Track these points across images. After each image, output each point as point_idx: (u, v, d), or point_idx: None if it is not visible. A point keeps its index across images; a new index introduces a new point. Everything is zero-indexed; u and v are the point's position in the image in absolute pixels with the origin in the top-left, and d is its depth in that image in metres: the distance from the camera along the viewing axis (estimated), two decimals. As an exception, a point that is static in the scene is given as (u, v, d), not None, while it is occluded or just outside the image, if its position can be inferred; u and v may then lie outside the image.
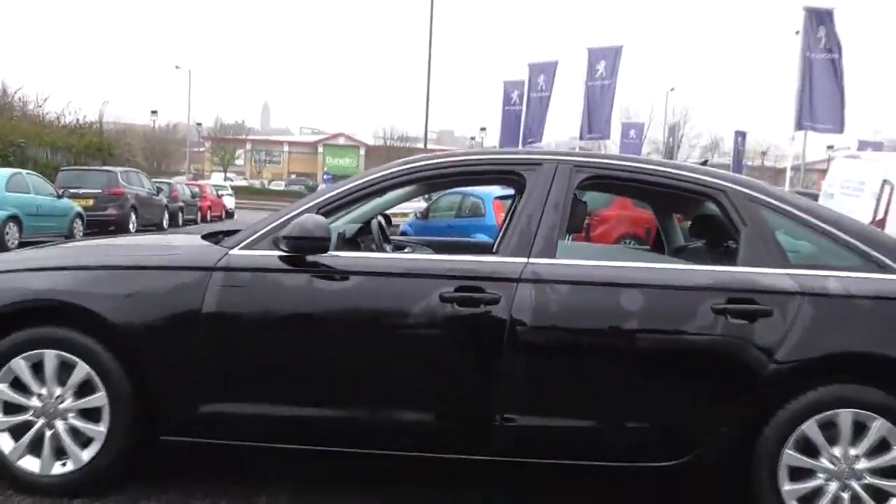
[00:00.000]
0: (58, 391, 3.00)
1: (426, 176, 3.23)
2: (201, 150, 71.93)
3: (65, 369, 2.99)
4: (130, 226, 18.05)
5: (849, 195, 8.18)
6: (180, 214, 22.87)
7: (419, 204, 17.51)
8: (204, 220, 25.69)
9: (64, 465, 3.02)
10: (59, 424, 3.01)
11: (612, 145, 32.11)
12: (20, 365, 2.99)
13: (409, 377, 2.94)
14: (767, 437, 2.86)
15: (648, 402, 2.91)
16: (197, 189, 26.60)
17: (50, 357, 2.98)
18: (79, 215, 15.62)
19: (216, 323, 2.94)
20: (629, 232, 12.25)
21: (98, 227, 16.73)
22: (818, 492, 2.86)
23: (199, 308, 2.94)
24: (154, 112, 58.42)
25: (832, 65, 12.21)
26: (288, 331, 2.98)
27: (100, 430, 2.99)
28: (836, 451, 2.85)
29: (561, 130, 19.73)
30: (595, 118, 15.75)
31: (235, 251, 3.03)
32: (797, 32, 12.76)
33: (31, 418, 3.02)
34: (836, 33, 11.87)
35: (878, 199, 7.52)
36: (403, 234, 14.41)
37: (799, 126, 12.51)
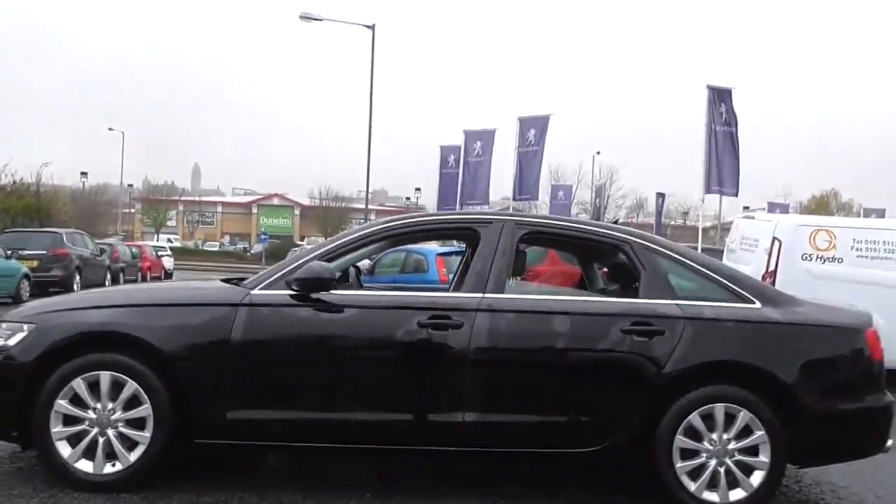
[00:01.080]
0: (110, 405, 3.75)
1: (404, 233, 4.19)
2: (131, 210, 71.26)
3: (115, 387, 3.74)
4: (74, 286, 18.19)
5: (747, 250, 9.47)
6: (122, 275, 23.00)
7: (365, 262, 18.32)
8: (144, 279, 25.83)
9: (113, 465, 3.74)
10: (110, 432, 3.75)
11: (543, 205, 33.85)
12: (80, 384, 3.73)
13: (394, 386, 3.81)
14: (663, 426, 3.81)
15: (574, 402, 3.85)
16: (137, 249, 26.75)
17: (105, 377, 3.74)
18: (25, 276, 15.80)
19: (242, 347, 3.76)
20: (559, 285, 13.37)
21: (42, 287, 16.86)
22: (702, 467, 3.82)
23: (229, 336, 3.76)
24: (84, 174, 57.94)
25: (731, 137, 13.83)
26: (298, 352, 3.82)
27: (145, 435, 3.73)
28: (714, 435, 3.82)
29: (492, 192, 21.08)
30: (525, 181, 17.08)
31: (256, 291, 3.88)
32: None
33: (86, 428, 3.75)
34: (734, 110, 13.52)
35: (769, 254, 8.81)
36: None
37: (707, 190, 14.01)
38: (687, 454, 3.82)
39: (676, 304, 3.95)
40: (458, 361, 3.80)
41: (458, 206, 21.04)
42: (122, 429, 3.75)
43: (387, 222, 4.18)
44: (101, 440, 3.74)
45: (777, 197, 40.00)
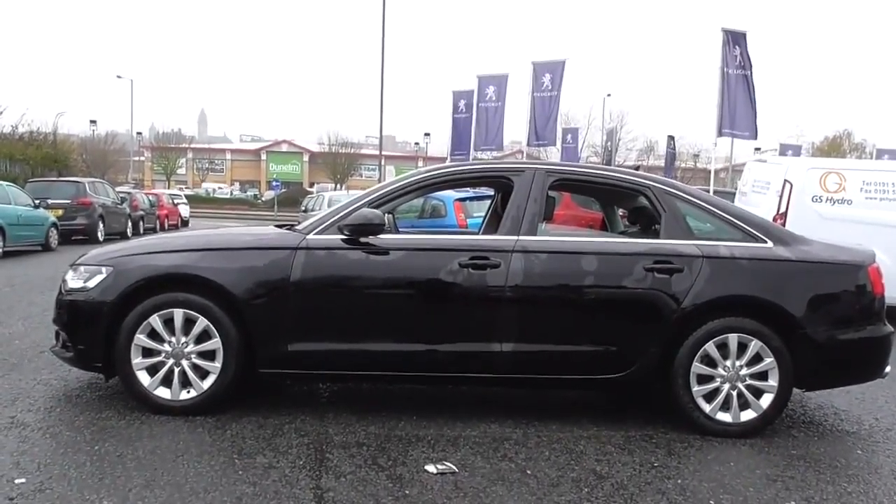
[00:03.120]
0: (183, 339, 4.17)
1: (444, 181, 4.55)
2: (140, 159, 71.45)
3: (187, 323, 4.16)
4: (99, 235, 18.69)
5: (758, 193, 9.78)
6: (141, 223, 23.50)
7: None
8: (162, 228, 26.32)
9: (188, 392, 4.19)
10: (184, 363, 4.18)
11: (554, 150, 33.93)
12: (156, 321, 4.16)
13: (437, 320, 4.22)
14: (682, 355, 4.21)
15: (601, 333, 4.24)
16: (154, 198, 27.18)
17: (178, 314, 4.15)
18: (54, 224, 16.29)
19: (300, 286, 4.16)
20: (573, 227, 13.77)
21: (65, 236, 17.33)
22: (716, 391, 4.24)
23: (289, 276, 4.16)
24: (93, 122, 58.09)
25: (745, 80, 13.95)
26: (350, 290, 4.22)
27: (216, 366, 4.17)
28: (728, 362, 4.23)
29: (505, 137, 21.20)
30: (541, 127, 17.28)
31: (311, 236, 4.26)
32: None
33: (163, 359, 4.18)
34: (748, 53, 13.61)
35: (780, 196, 9.11)
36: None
37: (720, 133, 14.19)
38: (703, 379, 4.23)
39: (695, 244, 4.31)
40: (495, 297, 4.19)
41: (471, 152, 21.25)
42: (194, 360, 4.18)
43: (428, 172, 4.53)
44: (176, 370, 4.18)
45: (789, 138, 39.85)
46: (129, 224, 21.62)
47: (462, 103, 22.87)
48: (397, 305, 4.23)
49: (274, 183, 44.00)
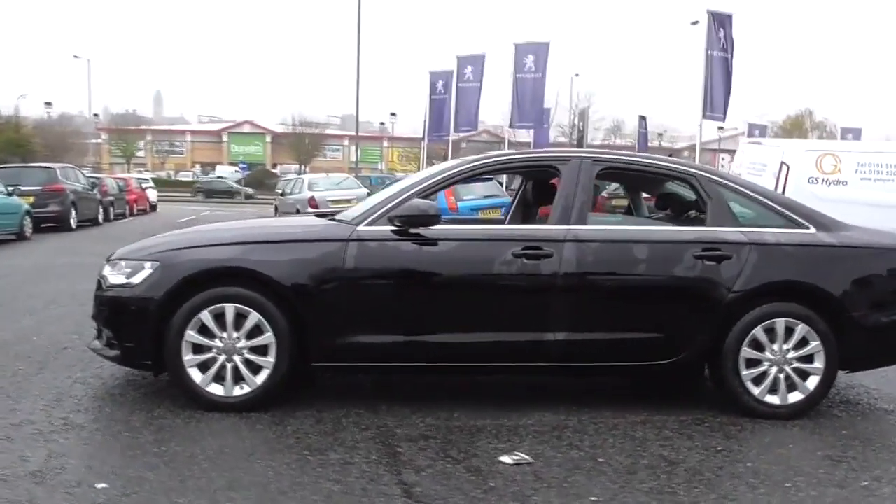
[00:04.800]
0: (234, 334, 4.10)
1: (495, 169, 4.54)
2: (97, 141, 69.70)
3: (238, 318, 4.09)
4: (72, 222, 18.22)
5: (753, 174, 9.93)
6: (111, 209, 22.98)
7: (359, 191, 18.58)
8: (132, 213, 25.79)
9: (241, 388, 4.13)
10: (237, 358, 4.11)
11: (523, 132, 34.00)
12: (207, 316, 4.08)
13: (490, 311, 4.21)
14: (731, 340, 4.28)
15: (652, 320, 4.29)
16: (122, 182, 26.58)
17: (229, 309, 4.08)
18: (27, 212, 15.84)
19: (353, 278, 4.12)
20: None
21: (37, 223, 16.82)
22: (764, 374, 4.31)
23: (342, 268, 4.11)
24: (48, 104, 56.42)
25: (725, 63, 14.11)
26: (404, 281, 4.19)
27: (269, 360, 4.11)
28: (775, 346, 4.30)
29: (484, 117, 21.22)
30: (525, 108, 17.29)
31: (361, 227, 4.21)
32: (694, 23, 14.59)
33: (214, 355, 4.11)
34: (732, 36, 13.76)
35: (777, 178, 9.27)
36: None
37: (704, 115, 14.37)
38: (751, 363, 4.30)
39: (740, 231, 4.37)
40: (548, 287, 4.20)
41: (451, 132, 21.20)
42: (247, 355, 4.11)
43: (475, 161, 4.50)
44: (228, 366, 4.11)
45: (754, 118, 40.53)
46: (101, 210, 21.16)
47: (440, 84, 22.77)
48: (451, 296, 4.21)
49: (240, 164, 43.31)
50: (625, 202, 5.14)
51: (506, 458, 3.55)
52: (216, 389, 4.12)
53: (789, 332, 4.30)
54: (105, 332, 4.28)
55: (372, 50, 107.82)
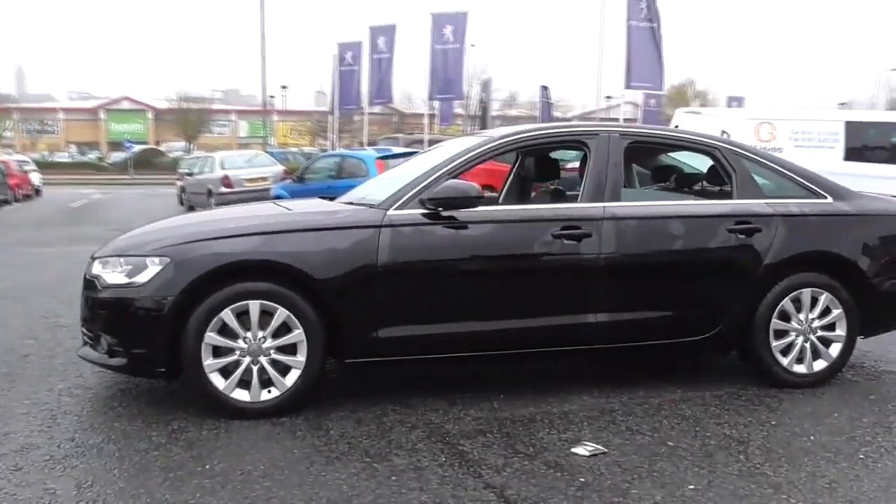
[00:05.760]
0: (260, 333, 3.72)
1: (524, 145, 4.32)
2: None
3: (264, 315, 3.71)
4: (-46, 208, 16.62)
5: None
6: (-7, 193, 21.14)
7: (275, 168, 17.86)
8: (16, 199, 23.81)
9: (269, 392, 3.76)
10: (263, 360, 3.74)
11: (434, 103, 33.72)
12: (229, 315, 3.68)
13: (532, 294, 4.02)
14: (762, 312, 4.28)
15: (689, 296, 4.23)
16: (2, 166, 24.44)
17: (254, 306, 3.69)
18: None
19: (388, 267, 3.82)
20: (488, 183, 13.77)
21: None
22: (791, 344, 4.35)
23: (376, 257, 3.80)
24: None
25: (652, 32, 14.34)
26: (442, 268, 3.93)
27: (299, 360, 3.76)
28: (801, 316, 4.34)
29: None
30: (444, 80, 17.01)
31: (392, 211, 3.90)
32: None
33: (238, 358, 3.72)
34: (657, 6, 13.96)
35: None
36: (277, 197, 14.85)
37: (627, 86, 14.58)
38: (779, 334, 4.32)
39: (766, 203, 4.36)
40: (589, 267, 4.05)
41: (366, 106, 20.68)
42: (274, 355, 3.75)
43: (503, 137, 4.25)
44: (254, 369, 3.74)
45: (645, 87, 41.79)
46: (-16, 195, 19.42)
47: (349, 55, 22.11)
48: (493, 282, 3.99)
49: (127, 143, 40.82)
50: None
51: (580, 450, 3.40)
52: (241, 395, 3.74)
53: (814, 301, 4.35)
54: (105, 339, 3.79)
55: (254, 22, 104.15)
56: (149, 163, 46.46)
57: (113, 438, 3.50)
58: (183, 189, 19.62)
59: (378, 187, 4.53)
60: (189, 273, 3.65)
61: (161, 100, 68.20)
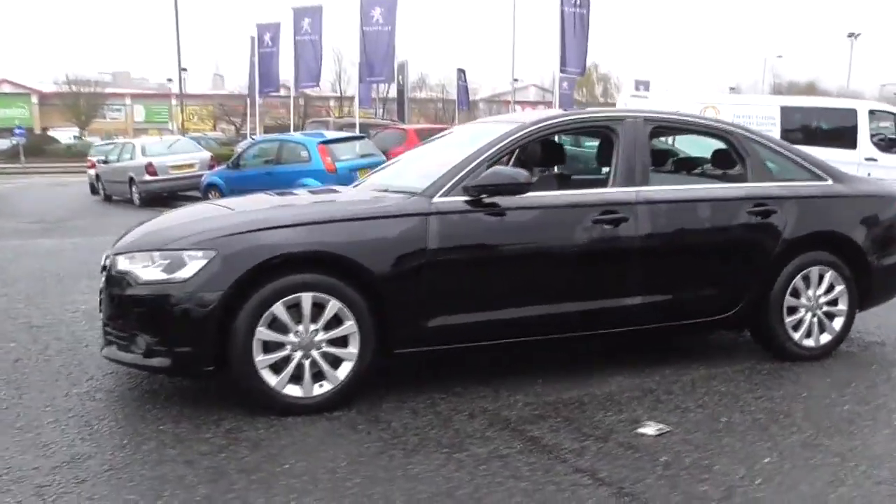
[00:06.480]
0: (312, 326, 3.61)
1: (555, 130, 4.36)
2: None
3: (315, 307, 3.60)
4: None
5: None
6: None
7: (201, 154, 17.21)
8: None
9: (321, 386, 3.66)
10: (315, 353, 3.63)
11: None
12: (280, 309, 3.54)
13: (577, 279, 4.07)
14: (777, 289, 4.48)
15: (715, 276, 4.38)
16: None
17: (306, 299, 3.57)
18: None
19: (438, 254, 3.77)
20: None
21: None
22: (801, 321, 4.59)
23: (425, 244, 3.75)
24: None
25: (582, 19, 14.63)
26: (489, 255, 3.92)
27: (351, 352, 3.67)
28: (810, 293, 4.58)
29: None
30: (375, 63, 16.77)
31: (437, 199, 3.85)
32: None
33: (289, 353, 3.60)
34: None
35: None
36: (211, 185, 14.31)
37: (562, 71, 14.85)
38: (791, 311, 4.55)
39: (778, 186, 4.56)
40: (626, 251, 4.13)
41: (292, 90, 20.16)
42: (325, 348, 3.65)
43: (535, 123, 4.25)
44: (306, 363, 3.62)
45: (548, 72, 42.67)
46: None
47: (267, 37, 21.47)
48: (536, 267, 4.01)
49: (17, 130, 38.18)
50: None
51: (646, 430, 3.48)
52: (293, 390, 3.62)
53: (820, 278, 4.60)
54: (143, 339, 3.58)
55: (142, 1, 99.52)
56: (41, 150, 43.66)
57: (167, 443, 3.32)
58: (98, 177, 18.59)
59: (397, 175, 4.47)
60: (239, 266, 3.49)
61: (45, 83, 64.20)
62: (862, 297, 4.78)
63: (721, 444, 3.33)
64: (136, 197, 16.19)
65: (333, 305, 3.61)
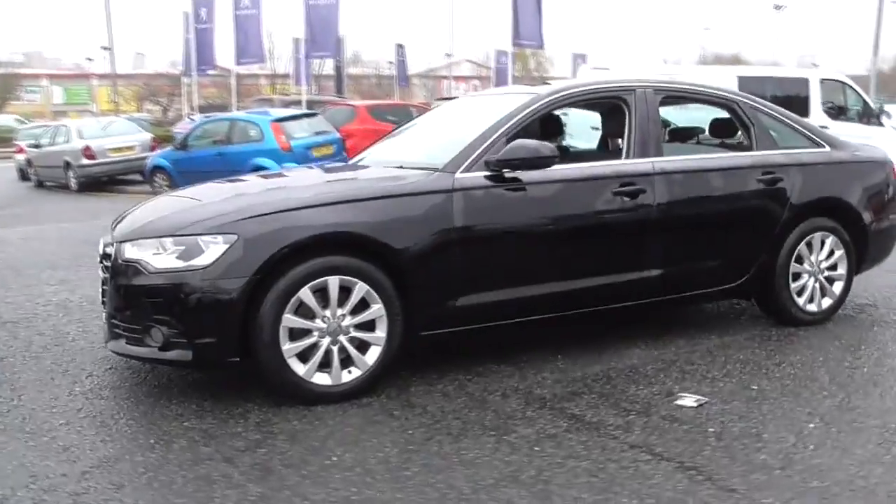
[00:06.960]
0: (339, 311, 3.46)
1: (569, 102, 4.26)
2: None
3: (342, 291, 3.45)
4: None
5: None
6: None
7: (141, 136, 16.53)
8: None
9: (350, 372, 3.51)
10: (343, 339, 3.48)
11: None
12: (307, 294, 3.38)
13: (600, 252, 4.03)
14: (783, 256, 4.53)
15: (728, 245, 4.40)
16: None
17: (333, 283, 3.41)
18: None
19: (464, 232, 3.66)
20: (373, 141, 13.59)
21: None
22: (804, 286, 4.65)
23: (452, 222, 3.63)
24: None
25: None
26: (513, 231, 3.82)
27: (379, 336, 3.54)
28: (812, 258, 4.65)
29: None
30: (319, 36, 16.39)
31: (459, 174, 3.72)
32: None
33: (317, 339, 3.43)
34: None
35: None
36: (157, 167, 13.72)
37: (513, 44, 14.78)
38: (795, 277, 4.61)
39: (782, 153, 4.60)
40: (646, 222, 4.10)
41: (234, 64, 19.52)
42: (353, 333, 3.50)
43: (549, 96, 4.13)
44: (334, 349, 3.47)
45: (489, 49, 42.52)
46: None
47: (203, 12, 20.67)
48: (561, 242, 3.94)
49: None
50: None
51: (684, 402, 3.47)
52: (322, 379, 3.47)
53: (822, 244, 4.67)
54: (159, 331, 3.36)
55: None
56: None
57: (198, 440, 3.13)
58: (29, 163, 17.63)
59: (403, 150, 4.33)
60: (264, 250, 3.30)
61: (-43, 64, 60.58)
62: (860, 261, 4.88)
63: (762, 412, 3.34)
64: (72, 182, 15.43)
65: (361, 288, 3.46)
